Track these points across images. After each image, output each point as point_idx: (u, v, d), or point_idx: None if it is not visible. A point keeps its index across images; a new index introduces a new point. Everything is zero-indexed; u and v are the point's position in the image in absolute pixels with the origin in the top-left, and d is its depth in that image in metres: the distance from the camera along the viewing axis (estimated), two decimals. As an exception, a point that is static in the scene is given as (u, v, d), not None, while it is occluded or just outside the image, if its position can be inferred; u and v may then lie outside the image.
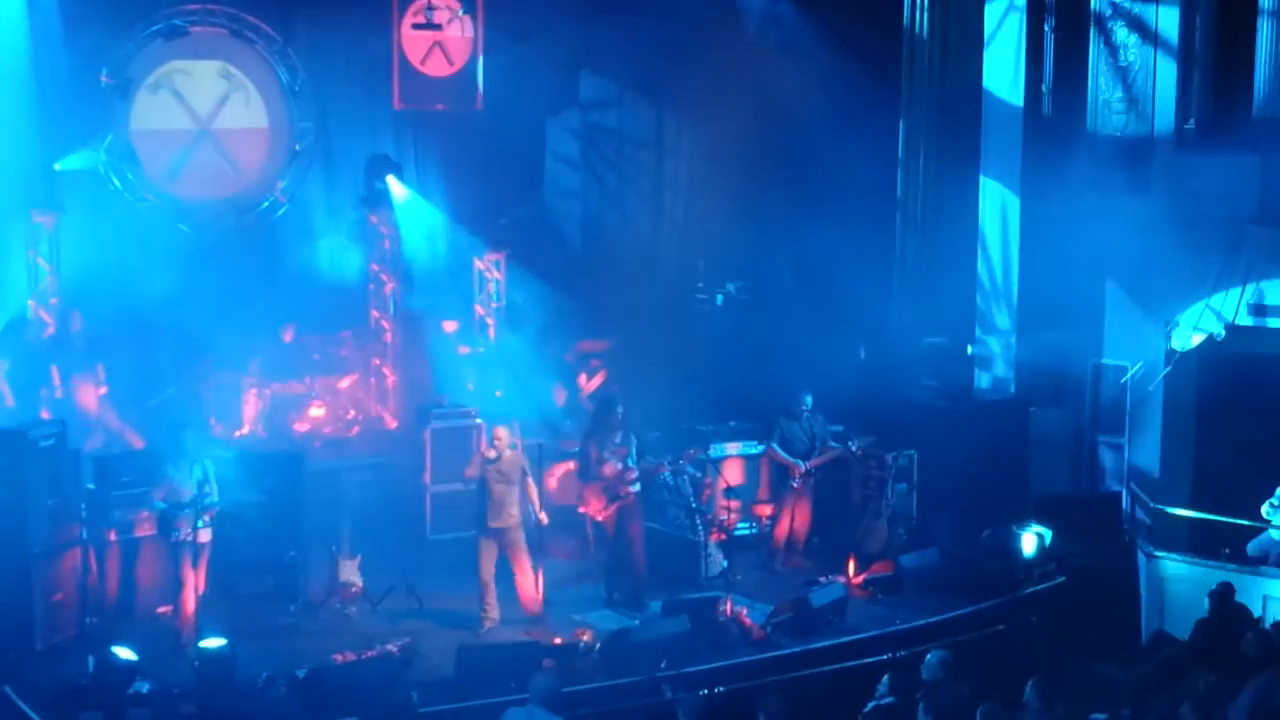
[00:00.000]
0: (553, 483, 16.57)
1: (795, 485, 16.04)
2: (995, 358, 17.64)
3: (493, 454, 14.33)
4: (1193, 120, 16.72)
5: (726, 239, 19.63)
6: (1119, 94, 17.12)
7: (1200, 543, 15.42)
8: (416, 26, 19.47)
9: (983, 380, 17.79)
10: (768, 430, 16.43)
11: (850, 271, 17.46)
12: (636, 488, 15.13)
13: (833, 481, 16.56)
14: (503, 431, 14.49)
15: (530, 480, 14.49)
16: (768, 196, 18.92)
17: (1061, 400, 17.47)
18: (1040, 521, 15.78)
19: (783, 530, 16.21)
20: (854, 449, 16.43)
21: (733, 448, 16.77)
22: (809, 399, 16.26)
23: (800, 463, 16.06)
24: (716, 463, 16.35)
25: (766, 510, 16.56)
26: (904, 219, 17.95)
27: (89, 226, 17.78)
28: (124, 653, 12.72)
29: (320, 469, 16.13)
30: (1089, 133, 17.17)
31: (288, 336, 18.31)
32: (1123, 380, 16.96)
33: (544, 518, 14.54)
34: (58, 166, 17.56)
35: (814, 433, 16.21)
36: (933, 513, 16.47)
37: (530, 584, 14.39)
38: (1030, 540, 15.48)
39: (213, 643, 12.83)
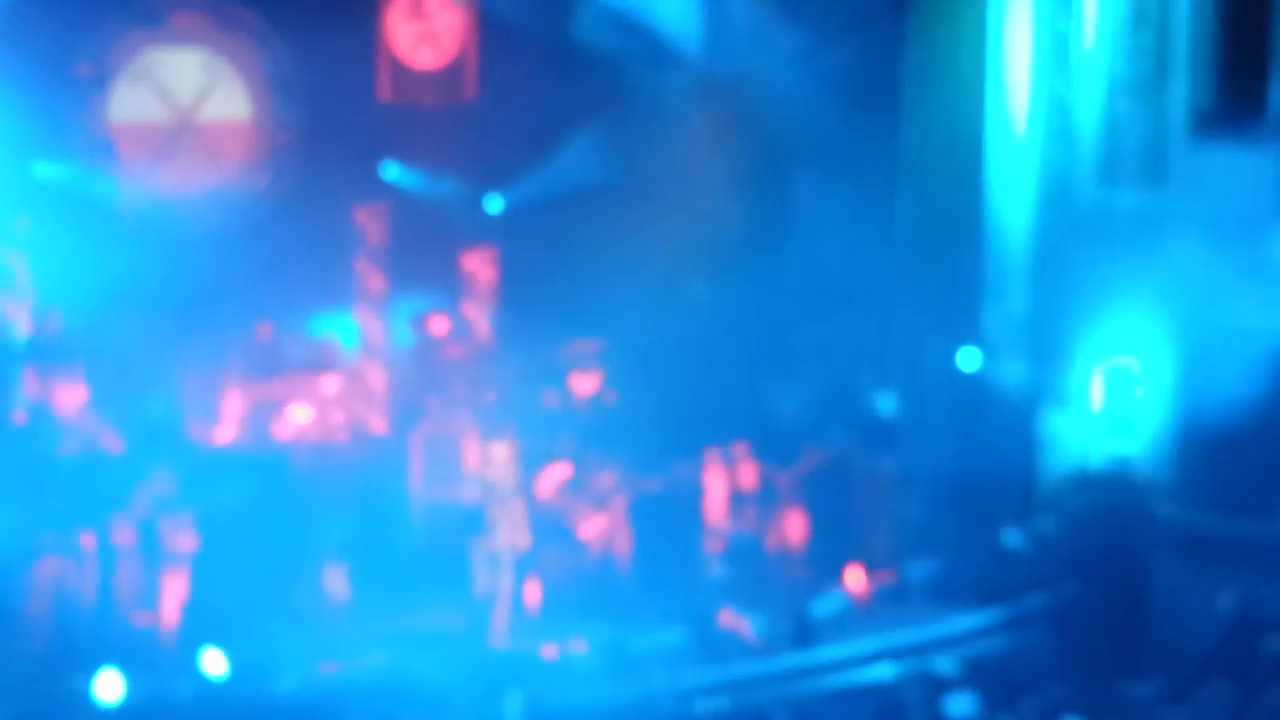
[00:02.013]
0: (545, 487, 16.29)
1: (780, 492, 15.89)
2: (1000, 361, 17.42)
3: (489, 474, 14.17)
4: (1207, 112, 16.47)
5: (724, 236, 19.42)
6: (1130, 85, 16.91)
7: (1217, 550, 15.23)
8: (405, 17, 19.22)
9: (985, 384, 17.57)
10: (758, 435, 16.30)
11: (850, 274, 17.26)
12: (632, 496, 15.10)
13: (835, 488, 16.33)
14: (498, 451, 14.31)
15: (520, 499, 14.34)
16: (767, 194, 18.75)
17: (1068, 403, 17.24)
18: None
19: (776, 538, 16.03)
20: (831, 452, 16.25)
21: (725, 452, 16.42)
22: (798, 403, 16.05)
23: (782, 469, 15.90)
24: (709, 467, 16.08)
25: (758, 517, 16.27)
26: (906, 219, 17.74)
27: (65, 223, 17.50)
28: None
29: (305, 473, 15.85)
30: (1101, 127, 16.94)
31: (264, 334, 18.02)
32: None
33: (525, 539, 14.37)
34: (35, 173, 17.32)
35: (800, 438, 16.10)
36: (937, 520, 16.26)
37: (505, 610, 14.22)
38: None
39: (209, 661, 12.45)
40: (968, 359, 17.00)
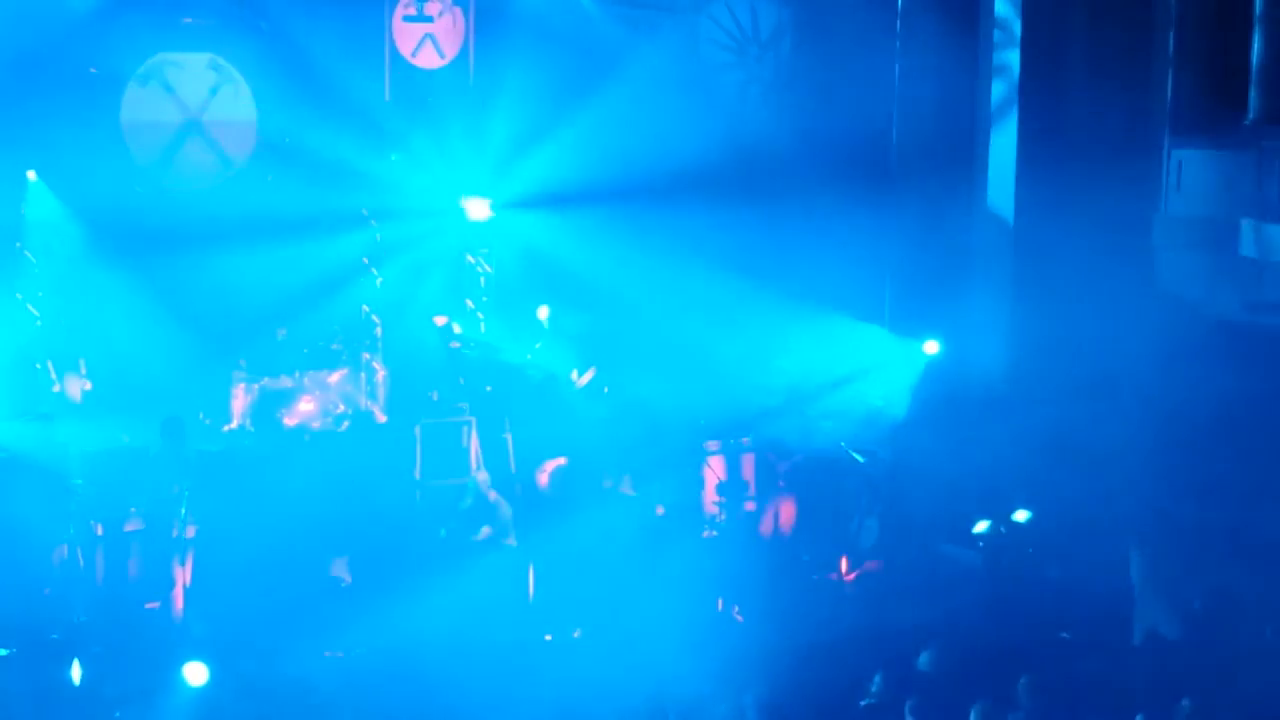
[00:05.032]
0: (543, 478, 16.51)
1: (779, 483, 16.12)
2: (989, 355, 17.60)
3: (468, 501, 14.31)
4: (1187, 116, 16.65)
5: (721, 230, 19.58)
6: (1111, 88, 17.08)
7: (1195, 537, 15.38)
8: (408, 19, 19.41)
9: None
10: (757, 427, 16.50)
11: (842, 271, 17.39)
12: (629, 486, 15.40)
13: (825, 478, 16.53)
14: (484, 476, 14.45)
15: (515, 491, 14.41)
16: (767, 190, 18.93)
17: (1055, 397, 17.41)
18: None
19: (768, 527, 16.20)
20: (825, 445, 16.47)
21: (714, 445, 16.71)
22: (788, 397, 16.29)
23: (783, 462, 16.12)
24: (709, 456, 16.34)
25: (752, 507, 16.53)
26: (899, 223, 17.93)
27: (77, 218, 17.67)
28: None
29: (309, 464, 16.04)
30: (1085, 130, 17.12)
31: (282, 333, 18.21)
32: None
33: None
34: (31, 175, 17.50)
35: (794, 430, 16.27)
36: (923, 511, 16.44)
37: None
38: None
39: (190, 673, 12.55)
40: (938, 350, 17.18)
